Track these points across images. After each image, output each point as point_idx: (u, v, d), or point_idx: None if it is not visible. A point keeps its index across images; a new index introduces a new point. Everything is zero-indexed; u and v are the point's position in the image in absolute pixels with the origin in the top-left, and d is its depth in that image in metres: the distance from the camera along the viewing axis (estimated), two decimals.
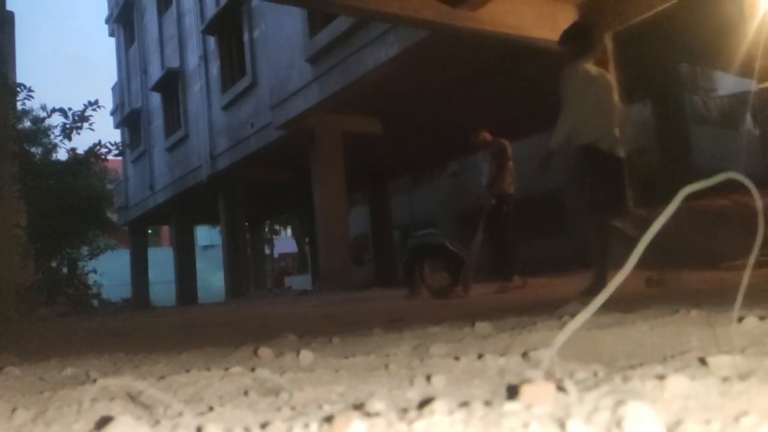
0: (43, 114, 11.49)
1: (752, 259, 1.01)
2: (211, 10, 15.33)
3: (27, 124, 12.29)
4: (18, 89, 9.38)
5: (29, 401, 1.33)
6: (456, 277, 6.24)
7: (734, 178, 0.88)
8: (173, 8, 17.87)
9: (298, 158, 12.50)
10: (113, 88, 23.62)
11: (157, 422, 0.89)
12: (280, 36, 12.22)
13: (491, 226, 6.28)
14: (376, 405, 0.83)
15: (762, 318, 1.55)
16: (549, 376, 1.13)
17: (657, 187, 9.50)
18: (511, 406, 0.76)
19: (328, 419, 0.78)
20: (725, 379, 0.88)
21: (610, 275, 3.93)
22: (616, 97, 4.52)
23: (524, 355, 1.40)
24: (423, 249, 6.78)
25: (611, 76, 4.61)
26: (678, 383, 0.85)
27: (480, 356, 1.39)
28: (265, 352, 1.88)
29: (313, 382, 1.32)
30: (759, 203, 0.90)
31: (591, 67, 4.54)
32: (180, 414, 0.93)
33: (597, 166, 4.35)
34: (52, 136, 11.28)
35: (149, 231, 25.57)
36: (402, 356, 1.64)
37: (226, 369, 1.45)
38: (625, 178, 4.62)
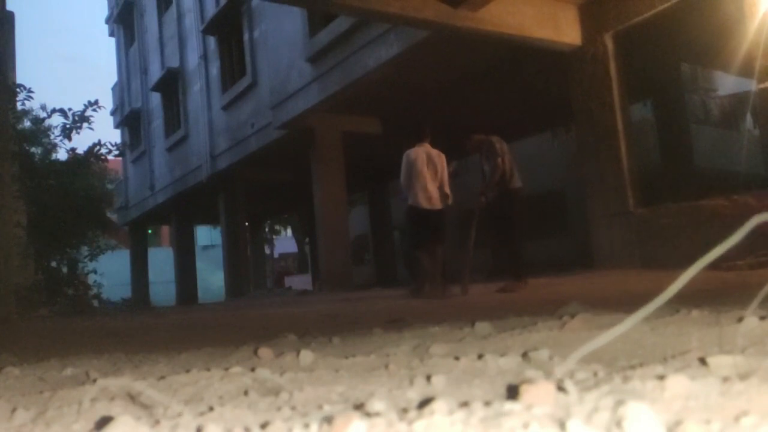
0: (43, 114, 11.52)
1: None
2: (211, 10, 15.32)
3: (27, 124, 12.28)
4: (18, 89, 9.39)
5: (29, 401, 1.33)
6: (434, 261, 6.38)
7: None
8: (173, 8, 17.85)
9: (298, 158, 12.49)
10: (113, 88, 23.61)
11: (157, 422, 0.89)
12: (280, 36, 12.21)
13: (495, 225, 6.24)
14: (376, 405, 0.83)
15: (763, 318, 1.55)
16: (549, 376, 1.13)
17: (658, 187, 9.51)
18: (511, 406, 0.75)
19: (328, 419, 0.78)
20: (725, 379, 0.88)
21: (428, 286, 6.19)
22: (438, 168, 6.37)
23: (524, 355, 1.40)
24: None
25: (439, 154, 6.48)
26: (678, 383, 0.85)
27: (480, 356, 1.39)
28: (265, 352, 1.88)
29: (313, 382, 1.32)
30: None
31: (423, 151, 6.47)
32: (180, 414, 0.93)
33: (414, 219, 6.44)
34: (52, 136, 11.30)
35: (149, 231, 25.56)
36: (402, 356, 1.64)
37: (226, 369, 1.45)
38: (437, 225, 6.41)
